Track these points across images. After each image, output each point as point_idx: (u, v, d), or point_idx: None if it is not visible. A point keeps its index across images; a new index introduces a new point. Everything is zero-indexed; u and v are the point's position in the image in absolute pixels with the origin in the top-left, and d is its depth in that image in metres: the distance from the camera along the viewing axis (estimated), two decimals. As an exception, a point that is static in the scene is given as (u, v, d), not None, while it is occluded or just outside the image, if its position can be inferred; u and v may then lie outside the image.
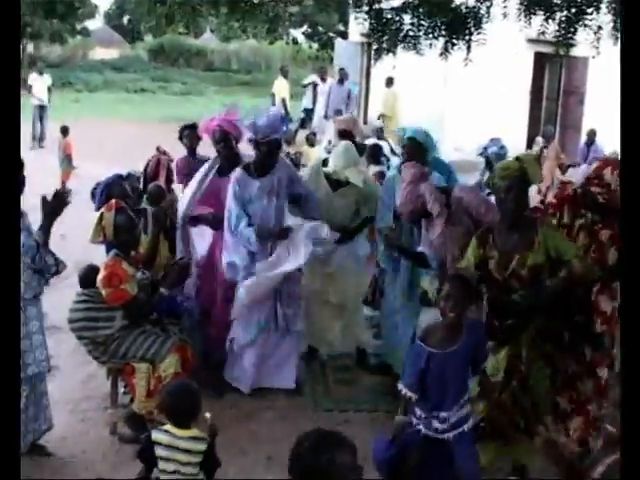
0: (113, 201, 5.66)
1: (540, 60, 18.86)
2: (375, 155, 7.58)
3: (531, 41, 16.96)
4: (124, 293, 5.43)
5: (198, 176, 6.67)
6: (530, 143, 16.80)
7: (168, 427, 4.15)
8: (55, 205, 5.14)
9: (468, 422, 4.58)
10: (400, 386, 4.62)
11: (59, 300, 6.30)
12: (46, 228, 5.12)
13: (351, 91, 18.81)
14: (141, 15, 6.78)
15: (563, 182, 6.49)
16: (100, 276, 5.45)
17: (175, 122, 23.98)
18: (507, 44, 15.25)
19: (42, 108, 19.89)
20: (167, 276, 5.88)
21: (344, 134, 8.08)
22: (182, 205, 6.62)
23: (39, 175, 14.37)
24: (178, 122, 19.56)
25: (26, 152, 17.71)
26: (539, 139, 14.43)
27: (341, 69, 19.93)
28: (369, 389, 6.72)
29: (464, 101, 17.74)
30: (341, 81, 19.04)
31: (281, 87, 19.53)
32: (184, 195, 6.72)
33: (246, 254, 6.24)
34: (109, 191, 6.55)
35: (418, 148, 6.30)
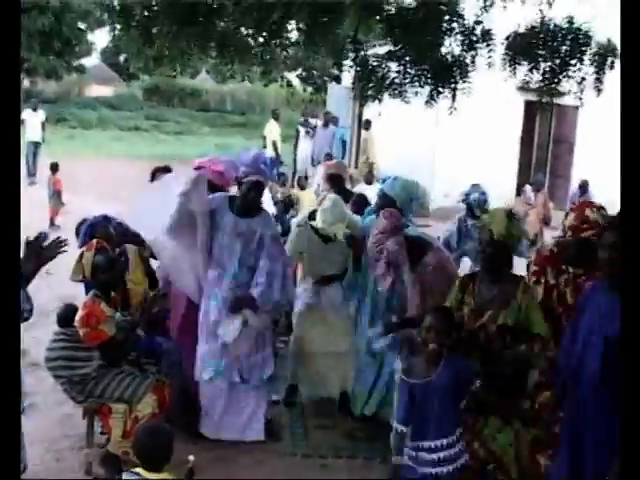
0: (94, 241, 5.70)
1: (530, 108, 19.02)
2: (359, 206, 7.62)
3: (521, 89, 17.15)
4: (101, 333, 5.44)
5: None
6: (519, 191, 16.92)
7: (139, 470, 4.11)
8: (52, 252, 4.55)
9: (461, 458, 4.64)
10: (394, 423, 4.72)
11: (41, 337, 6.28)
12: (31, 272, 4.46)
13: (335, 134, 18.97)
14: (131, 55, 6.84)
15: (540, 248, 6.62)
16: (78, 316, 5.46)
17: (167, 161, 24.10)
18: (497, 92, 15.39)
19: (36, 144, 20.02)
20: (144, 313, 5.88)
21: (333, 178, 8.14)
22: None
23: (30, 211, 14.43)
24: (169, 161, 19.78)
25: (25, 188, 17.86)
26: (527, 187, 14.54)
27: (326, 112, 20.15)
28: (349, 435, 6.67)
29: (454, 148, 17.86)
30: (326, 124, 19.21)
31: (273, 130, 19.67)
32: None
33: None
34: (92, 231, 6.55)
35: (390, 203, 6.47)
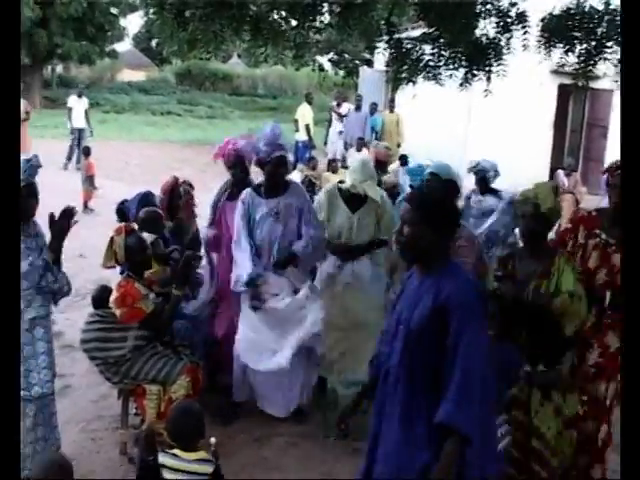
0: (123, 225, 5.73)
1: (564, 92, 18.86)
2: (390, 194, 7.58)
3: (555, 72, 16.99)
4: (139, 311, 5.47)
5: (211, 202, 6.77)
6: (552, 175, 16.77)
7: (175, 450, 4.16)
8: (63, 223, 5.13)
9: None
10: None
11: (76, 319, 6.32)
12: (56, 247, 5.13)
13: (369, 120, 18.91)
14: (164, 39, 6.83)
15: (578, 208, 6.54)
16: (113, 296, 5.49)
17: (198, 145, 24.26)
18: (531, 75, 15.26)
19: (80, 131, 19.93)
20: (175, 274, 5.88)
21: (378, 164, 8.16)
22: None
23: (68, 195, 14.58)
24: (201, 145, 19.75)
25: (59, 172, 17.98)
26: (560, 171, 14.41)
27: (358, 96, 20.09)
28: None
29: (487, 131, 17.74)
30: (358, 108, 19.16)
31: (305, 113, 19.63)
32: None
33: (250, 268, 6.16)
34: (142, 200, 6.78)
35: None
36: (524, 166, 11.28)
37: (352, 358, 6.64)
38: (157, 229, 6.36)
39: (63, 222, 5.14)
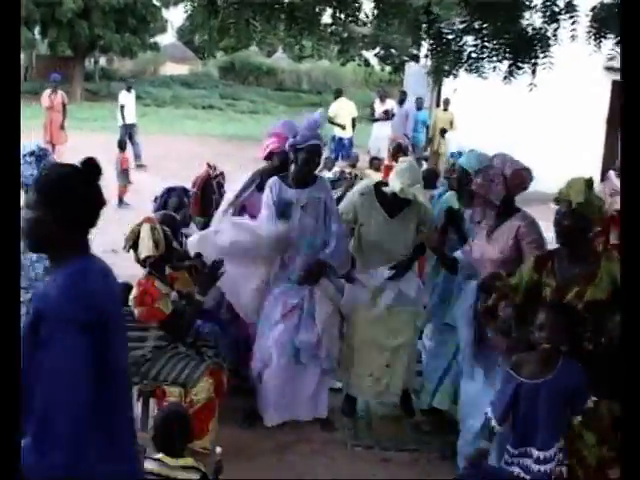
0: (147, 218, 5.61)
1: (618, 88, 18.49)
2: (428, 182, 7.34)
3: (609, 69, 16.66)
4: (158, 312, 5.35)
5: (236, 189, 6.60)
6: (604, 176, 16.43)
7: (160, 456, 4.07)
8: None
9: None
10: (489, 414, 4.43)
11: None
12: None
13: (414, 115, 18.79)
14: (195, 28, 6.78)
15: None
16: (132, 295, 5.38)
17: (239, 140, 24.26)
18: (582, 71, 14.97)
19: (132, 126, 19.88)
20: (200, 279, 5.78)
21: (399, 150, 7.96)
22: (216, 218, 6.57)
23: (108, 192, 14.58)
24: (242, 140, 19.77)
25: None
26: (611, 173, 14.05)
27: (402, 91, 19.94)
28: (415, 427, 6.48)
29: (533, 128, 17.45)
30: (401, 102, 19.05)
31: (345, 107, 19.48)
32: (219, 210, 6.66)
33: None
34: (168, 196, 6.80)
35: (467, 178, 5.87)
36: (574, 166, 10.97)
37: (391, 380, 6.47)
38: (173, 234, 6.13)
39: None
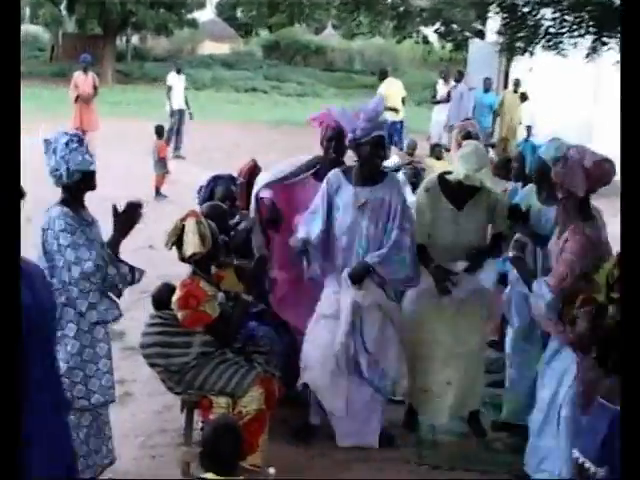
0: (190, 210, 5.61)
1: None
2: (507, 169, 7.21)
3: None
4: (203, 315, 5.36)
5: (286, 168, 6.54)
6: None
7: (209, 475, 4.00)
8: (127, 218, 5.18)
9: None
10: (577, 454, 4.28)
11: (141, 318, 6.30)
12: (115, 244, 5.17)
13: (463, 94, 18.63)
14: (238, 2, 6.74)
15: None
16: (175, 297, 5.40)
17: (286, 126, 24.31)
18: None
19: (181, 113, 19.84)
20: (245, 276, 5.82)
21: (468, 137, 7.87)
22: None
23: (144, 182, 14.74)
24: (289, 126, 19.75)
25: (133, 156, 18.14)
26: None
27: (459, 70, 19.85)
28: (484, 445, 6.44)
29: (618, 110, 17.20)
30: (458, 81, 18.92)
31: (393, 88, 19.38)
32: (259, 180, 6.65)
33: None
34: (215, 185, 6.86)
35: (547, 173, 5.71)
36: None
37: (459, 392, 6.41)
38: (222, 227, 6.09)
39: (127, 215, 5.15)
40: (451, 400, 6.39)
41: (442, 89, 19.79)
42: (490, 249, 6.41)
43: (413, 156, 13.51)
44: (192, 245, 5.38)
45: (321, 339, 6.06)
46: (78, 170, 4.92)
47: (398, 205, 5.97)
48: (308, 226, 6.06)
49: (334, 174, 6.08)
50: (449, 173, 6.25)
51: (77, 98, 17.84)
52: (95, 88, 18.31)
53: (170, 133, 19.44)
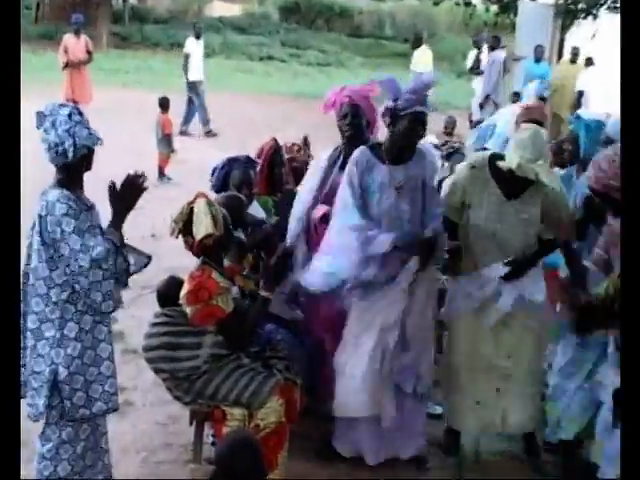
0: (200, 192, 5.61)
1: None
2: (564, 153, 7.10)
3: None
4: (216, 310, 5.37)
5: (318, 173, 6.53)
6: None
7: None
8: (126, 194, 5.12)
9: None
10: None
11: (143, 316, 6.33)
12: (118, 224, 5.12)
13: (494, 60, 18.50)
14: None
15: None
16: (184, 290, 5.40)
17: (306, 99, 24.33)
18: None
19: (197, 84, 19.71)
20: (266, 273, 5.82)
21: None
22: (297, 210, 6.52)
23: (140, 162, 14.77)
24: (310, 100, 19.80)
25: (135, 132, 18.12)
26: None
27: (494, 36, 19.70)
28: (536, 468, 6.42)
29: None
30: (492, 49, 18.72)
31: (423, 58, 19.35)
32: (300, 196, 6.64)
33: (359, 263, 5.88)
34: (230, 169, 6.82)
35: None
36: None
37: (506, 412, 6.37)
38: (237, 221, 6.14)
39: (127, 191, 5.13)
40: (500, 411, 6.35)
41: (486, 59, 19.67)
42: (536, 256, 6.28)
43: (452, 136, 13.50)
44: (204, 226, 5.39)
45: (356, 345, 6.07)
46: (85, 145, 4.92)
47: (432, 182, 6.13)
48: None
49: (362, 152, 6.04)
50: (502, 158, 6.13)
51: (67, 64, 17.83)
52: (89, 53, 18.24)
53: (189, 110, 19.47)
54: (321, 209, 6.42)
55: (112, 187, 5.08)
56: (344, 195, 6.01)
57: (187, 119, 19.43)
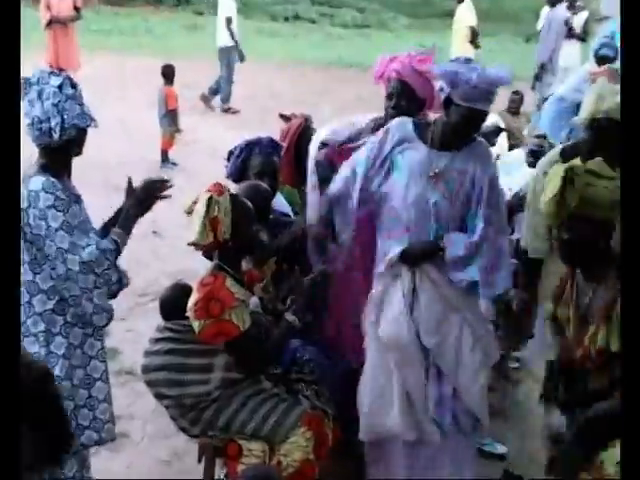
0: (219, 182, 5.59)
1: None
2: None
3: None
4: (229, 327, 5.32)
5: (343, 130, 6.52)
6: None
7: None
8: (144, 198, 5.24)
9: None
10: None
11: (142, 330, 6.35)
12: (129, 226, 5.24)
13: (552, 20, 18.35)
14: None
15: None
16: (192, 301, 5.39)
17: (341, 68, 24.35)
18: None
19: (229, 51, 19.76)
20: (297, 294, 5.81)
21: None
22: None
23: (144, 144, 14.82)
24: (346, 68, 19.75)
25: (136, 107, 18.22)
26: None
27: None
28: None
29: None
30: (552, 4, 18.56)
31: (464, 18, 19.30)
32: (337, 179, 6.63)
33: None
34: (250, 154, 6.79)
35: None
36: None
37: None
38: (262, 217, 6.15)
39: (145, 197, 5.23)
40: None
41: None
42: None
43: (518, 115, 13.45)
44: (193, 232, 5.35)
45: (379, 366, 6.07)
46: (75, 125, 4.94)
47: (485, 182, 5.89)
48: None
49: (400, 123, 5.99)
50: (575, 151, 6.11)
51: (50, 23, 17.84)
52: (76, 10, 18.13)
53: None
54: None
55: (130, 185, 5.16)
56: (357, 159, 6.07)
57: (216, 89, 19.61)
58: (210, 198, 5.33)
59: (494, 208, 5.84)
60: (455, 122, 5.76)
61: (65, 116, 4.87)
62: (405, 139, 5.94)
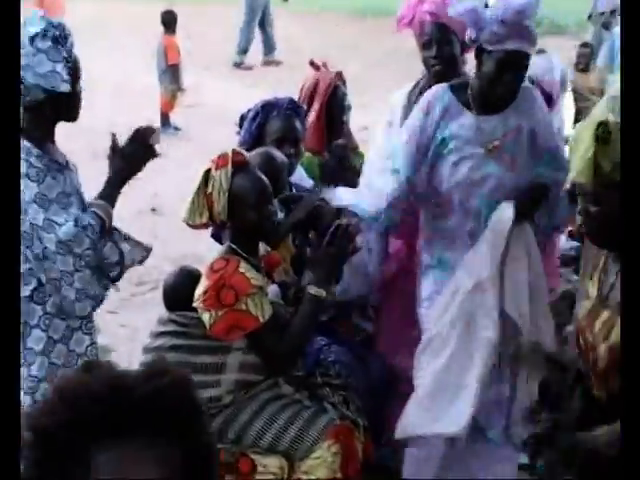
0: (229, 153, 5.52)
1: None
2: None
3: None
4: (244, 317, 5.29)
5: (411, 123, 6.48)
6: None
7: None
8: (132, 153, 5.15)
9: None
10: None
11: (138, 325, 6.34)
12: (112, 194, 5.15)
13: None
14: None
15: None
16: (200, 289, 5.36)
17: (371, 18, 24.39)
18: None
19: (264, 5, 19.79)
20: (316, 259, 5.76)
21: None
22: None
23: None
24: (376, 17, 19.85)
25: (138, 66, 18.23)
26: None
27: None
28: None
29: None
30: None
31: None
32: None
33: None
34: (266, 118, 6.69)
35: None
36: None
37: None
38: (278, 190, 6.07)
39: (134, 149, 5.15)
40: None
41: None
42: None
43: (587, 72, 13.50)
44: (221, 209, 5.34)
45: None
46: (40, 87, 4.88)
47: (540, 130, 6.05)
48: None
49: (439, 92, 6.00)
50: None
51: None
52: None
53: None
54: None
55: (114, 141, 5.10)
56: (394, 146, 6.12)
57: (245, 44, 19.74)
58: (207, 171, 5.35)
59: (556, 151, 6.12)
60: (489, 72, 5.78)
61: (28, 75, 4.77)
62: (449, 110, 5.96)
